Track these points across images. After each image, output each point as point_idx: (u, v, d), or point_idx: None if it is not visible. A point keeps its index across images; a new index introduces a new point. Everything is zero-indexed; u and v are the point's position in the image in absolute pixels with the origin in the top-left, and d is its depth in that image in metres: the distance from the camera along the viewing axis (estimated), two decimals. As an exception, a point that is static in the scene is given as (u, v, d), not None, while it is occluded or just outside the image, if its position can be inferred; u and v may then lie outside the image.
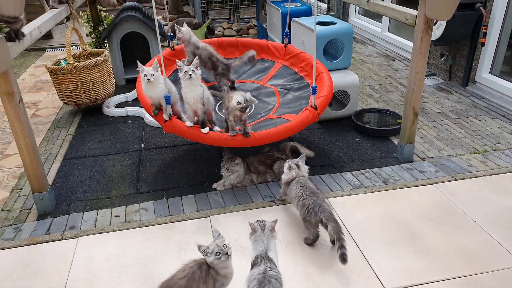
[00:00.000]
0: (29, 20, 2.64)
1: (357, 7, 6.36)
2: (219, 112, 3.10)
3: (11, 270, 2.09)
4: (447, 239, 2.21)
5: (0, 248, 2.23)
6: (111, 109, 3.97)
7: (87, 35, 4.90)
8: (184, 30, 3.07)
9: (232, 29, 6.79)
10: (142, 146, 3.35)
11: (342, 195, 2.59)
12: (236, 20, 7.31)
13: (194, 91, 2.45)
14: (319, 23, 3.53)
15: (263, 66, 3.55)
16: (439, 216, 2.38)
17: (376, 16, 5.90)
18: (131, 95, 4.25)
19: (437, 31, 3.89)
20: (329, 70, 3.12)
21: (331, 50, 3.81)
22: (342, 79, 3.45)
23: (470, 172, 2.80)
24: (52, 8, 3.63)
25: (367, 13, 6.18)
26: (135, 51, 4.84)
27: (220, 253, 1.59)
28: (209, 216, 2.42)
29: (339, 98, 3.79)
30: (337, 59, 3.55)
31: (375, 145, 3.23)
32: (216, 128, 2.66)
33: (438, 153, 3.09)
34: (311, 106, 2.69)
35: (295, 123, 2.63)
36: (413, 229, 2.30)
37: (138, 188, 2.80)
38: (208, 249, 1.61)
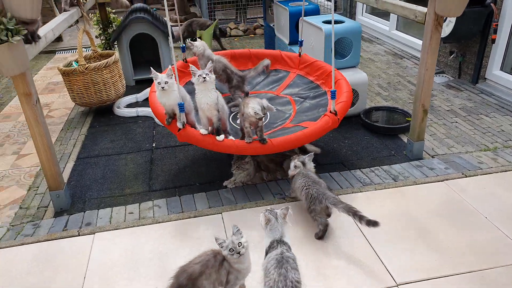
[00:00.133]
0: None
1: (364, 6, 6.35)
2: (233, 123, 3.04)
3: (33, 264, 2.16)
4: (458, 235, 2.22)
5: (21, 243, 2.30)
6: (122, 110, 4.03)
7: (96, 37, 4.97)
8: (198, 44, 3.04)
9: (239, 29, 6.82)
10: (154, 145, 3.41)
11: (352, 192, 2.61)
12: (243, 20, 7.35)
13: (209, 96, 2.37)
14: (326, 22, 3.55)
15: (277, 76, 3.50)
16: (450, 213, 2.39)
17: (383, 15, 5.90)
18: (141, 95, 4.32)
19: (447, 28, 3.88)
20: (337, 69, 3.13)
21: (340, 48, 3.82)
22: (351, 77, 3.46)
23: (481, 169, 2.80)
24: (64, 11, 3.71)
25: (374, 12, 6.18)
26: (144, 53, 4.91)
27: (233, 250, 1.64)
28: (221, 213, 2.46)
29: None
30: (346, 57, 3.57)
31: (384, 143, 3.24)
32: (231, 138, 2.58)
33: (448, 151, 3.09)
34: (330, 112, 2.59)
35: (315, 129, 2.53)
36: (424, 225, 2.31)
37: (150, 186, 2.85)
38: (224, 243, 1.65)
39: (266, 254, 1.75)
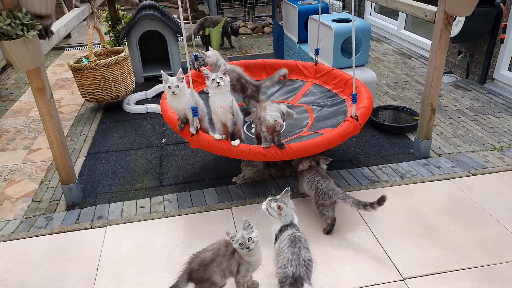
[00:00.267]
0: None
1: (373, 5, 6.35)
2: (247, 132, 2.95)
3: (46, 255, 2.22)
4: (464, 232, 2.25)
5: (34, 235, 2.35)
6: (132, 106, 4.08)
7: (105, 34, 5.03)
8: (210, 54, 2.96)
9: (247, 27, 6.84)
10: (163, 141, 3.45)
11: (360, 189, 2.64)
12: (251, 18, 7.37)
13: (223, 99, 2.27)
14: (335, 21, 3.56)
15: (292, 86, 3.39)
16: (456, 210, 2.41)
17: (392, 14, 5.90)
18: (151, 92, 4.36)
19: (456, 28, 3.88)
20: (346, 68, 3.15)
21: (349, 47, 3.84)
22: (360, 76, 3.47)
23: (487, 168, 2.81)
24: (75, 7, 3.76)
25: (383, 11, 6.18)
26: (152, 50, 4.95)
27: (243, 244, 1.68)
28: (231, 208, 2.50)
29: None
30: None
31: (392, 142, 3.26)
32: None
33: (455, 150, 3.11)
34: (351, 117, 2.49)
35: (335, 134, 2.42)
36: (430, 221, 2.33)
37: (161, 181, 2.89)
38: (235, 237, 1.69)
39: (276, 239, 1.82)
